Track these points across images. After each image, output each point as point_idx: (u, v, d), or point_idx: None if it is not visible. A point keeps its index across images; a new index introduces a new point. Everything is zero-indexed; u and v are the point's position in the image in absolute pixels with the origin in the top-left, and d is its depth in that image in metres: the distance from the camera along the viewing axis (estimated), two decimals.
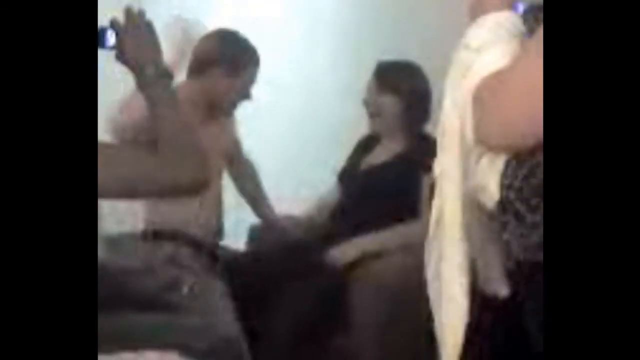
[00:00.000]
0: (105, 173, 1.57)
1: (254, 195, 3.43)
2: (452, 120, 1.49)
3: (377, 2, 4.33)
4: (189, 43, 2.92)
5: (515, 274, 1.45)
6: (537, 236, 1.37)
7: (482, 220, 1.51)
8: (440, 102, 1.55)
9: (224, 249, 3.18)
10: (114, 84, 2.65)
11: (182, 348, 2.33)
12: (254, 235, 3.49)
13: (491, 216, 1.46)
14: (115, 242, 2.92)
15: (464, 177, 1.50)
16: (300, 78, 4.29)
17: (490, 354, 1.57)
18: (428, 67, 3.21)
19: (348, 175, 3.31)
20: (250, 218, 3.53)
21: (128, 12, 1.82)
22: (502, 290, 1.50)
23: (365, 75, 3.25)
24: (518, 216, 1.39)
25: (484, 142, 1.41)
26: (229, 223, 3.25)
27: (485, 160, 1.43)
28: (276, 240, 3.36)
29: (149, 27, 1.81)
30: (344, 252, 3.01)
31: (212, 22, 3.36)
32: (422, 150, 2.95)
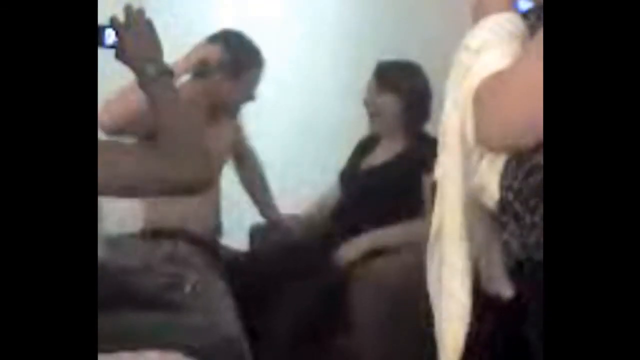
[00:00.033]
0: (108, 172, 1.57)
1: (259, 195, 3.44)
2: (453, 121, 1.49)
3: (378, 2, 4.33)
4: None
5: (516, 273, 1.45)
6: (535, 236, 1.37)
7: (484, 219, 1.51)
8: (440, 102, 1.55)
9: (225, 248, 3.18)
10: (114, 83, 2.65)
11: (184, 348, 2.33)
12: (256, 234, 3.49)
13: (493, 216, 1.46)
14: (115, 242, 2.92)
15: (465, 178, 1.50)
16: (300, 78, 4.28)
17: None
18: (428, 67, 3.21)
19: (349, 175, 3.32)
20: (250, 217, 3.53)
21: (128, 10, 1.82)
22: (505, 290, 1.50)
23: (365, 75, 3.25)
24: (517, 217, 1.39)
25: (484, 142, 1.41)
26: (229, 222, 3.25)
27: (485, 161, 1.43)
28: (278, 240, 3.37)
29: (149, 26, 1.81)
30: (348, 250, 3.01)
31: (212, 22, 3.36)
32: (423, 150, 2.96)
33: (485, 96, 1.39)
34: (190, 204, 2.71)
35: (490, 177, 1.43)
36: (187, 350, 2.34)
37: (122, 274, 2.65)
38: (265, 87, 3.17)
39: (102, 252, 2.57)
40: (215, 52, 2.98)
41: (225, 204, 3.20)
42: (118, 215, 2.92)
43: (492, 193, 1.43)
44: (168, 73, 1.79)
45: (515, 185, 1.39)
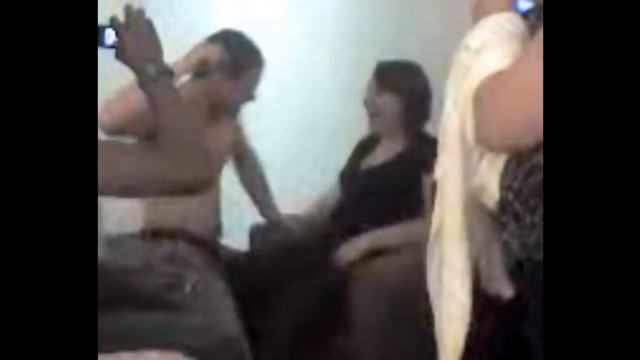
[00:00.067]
0: (108, 172, 1.57)
1: (259, 195, 3.44)
2: (453, 121, 1.49)
3: (378, 2, 4.33)
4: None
5: (516, 273, 1.45)
6: (535, 236, 1.37)
7: (484, 219, 1.51)
8: (441, 102, 1.55)
9: (225, 248, 3.18)
10: (114, 83, 2.65)
11: (184, 348, 2.33)
12: (256, 234, 3.49)
13: (493, 216, 1.46)
14: (115, 242, 2.92)
15: (465, 178, 1.50)
16: (300, 78, 4.28)
17: None
18: (428, 67, 3.20)
19: (349, 175, 3.32)
20: (250, 217, 3.53)
21: (128, 10, 1.81)
22: (505, 290, 1.50)
23: (365, 75, 3.25)
24: (517, 217, 1.39)
25: (484, 142, 1.41)
26: (229, 222, 3.25)
27: (485, 161, 1.43)
28: (278, 240, 3.37)
29: (149, 26, 1.81)
30: (348, 250, 3.01)
31: (212, 22, 3.36)
32: (423, 150, 2.96)
33: (485, 96, 1.39)
34: (190, 204, 2.71)
35: (490, 177, 1.43)
36: (187, 350, 2.34)
37: (122, 274, 2.65)
38: (265, 87, 3.17)
39: (102, 252, 2.57)
40: (215, 52, 2.98)
41: (225, 204, 3.20)
42: (118, 215, 2.92)
43: (492, 193, 1.43)
44: (168, 73, 1.78)
45: (515, 185, 1.39)
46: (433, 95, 3.17)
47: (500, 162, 1.41)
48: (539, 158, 1.35)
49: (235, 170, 3.41)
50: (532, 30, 1.44)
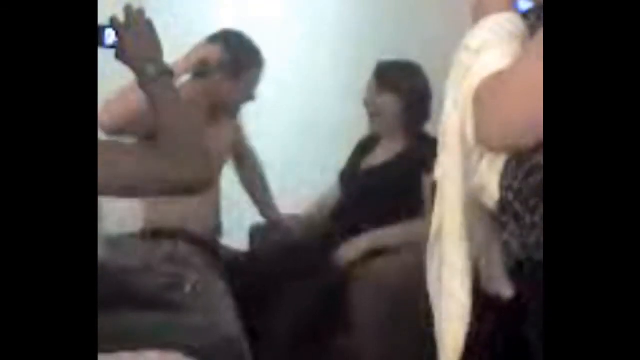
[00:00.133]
0: (108, 172, 1.57)
1: (259, 195, 3.44)
2: (453, 121, 1.49)
3: (378, 2, 4.33)
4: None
5: (516, 273, 1.45)
6: (535, 236, 1.37)
7: (484, 219, 1.51)
8: (441, 102, 1.55)
9: (225, 248, 3.18)
10: (114, 83, 2.65)
11: (184, 348, 2.33)
12: (256, 234, 3.49)
13: (493, 216, 1.46)
14: (115, 242, 2.92)
15: (465, 178, 1.50)
16: (300, 78, 4.28)
17: None
18: (428, 67, 3.20)
19: (349, 175, 3.31)
20: (250, 217, 3.52)
21: (128, 10, 1.81)
22: (505, 290, 1.50)
23: (365, 75, 3.25)
24: (517, 217, 1.39)
25: (484, 142, 1.41)
26: (229, 222, 3.25)
27: (485, 161, 1.43)
28: (278, 240, 3.37)
29: (149, 26, 1.81)
30: (348, 250, 3.01)
31: (212, 22, 3.36)
32: (423, 150, 2.96)
33: (485, 96, 1.39)
34: (190, 204, 2.71)
35: (490, 177, 1.43)
36: (187, 350, 2.34)
37: (122, 274, 2.65)
38: (265, 87, 3.17)
39: (102, 252, 2.57)
40: (215, 52, 2.98)
41: (225, 204, 3.19)
42: (118, 215, 2.92)
43: (492, 193, 1.43)
44: (168, 73, 1.78)
45: (515, 185, 1.39)
46: (433, 95, 3.17)
47: (500, 162, 1.41)
48: (539, 158, 1.35)
49: (235, 170, 3.41)
50: (532, 30, 1.44)
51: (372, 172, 3.22)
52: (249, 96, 3.10)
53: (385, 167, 3.18)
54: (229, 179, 3.28)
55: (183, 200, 2.57)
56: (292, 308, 2.93)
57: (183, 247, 2.91)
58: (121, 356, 2.22)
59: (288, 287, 2.97)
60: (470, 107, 1.42)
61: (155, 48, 1.80)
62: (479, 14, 1.48)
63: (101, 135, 2.48)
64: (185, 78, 2.97)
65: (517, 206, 1.39)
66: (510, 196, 1.39)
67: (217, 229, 3.14)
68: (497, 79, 1.38)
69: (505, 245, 1.42)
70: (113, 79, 2.40)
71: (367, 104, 3.22)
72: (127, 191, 1.69)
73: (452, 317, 1.53)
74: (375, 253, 3.00)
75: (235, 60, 3.01)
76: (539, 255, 1.36)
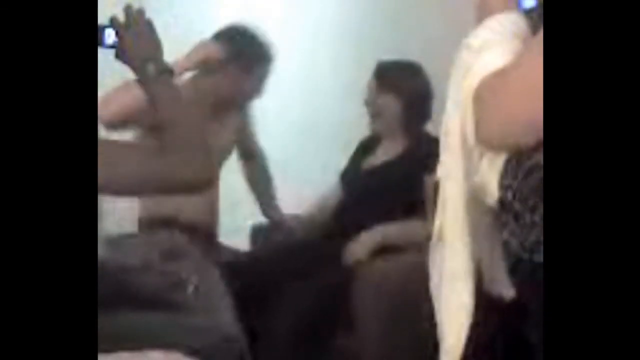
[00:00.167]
0: (111, 171, 1.57)
1: (263, 194, 3.44)
2: (454, 121, 1.49)
3: (378, 2, 4.33)
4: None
5: (516, 273, 1.45)
6: (535, 236, 1.36)
7: (486, 220, 1.50)
8: (442, 102, 1.55)
9: (227, 248, 3.18)
10: (114, 83, 2.65)
11: (186, 348, 2.33)
12: (258, 234, 3.49)
13: (495, 216, 1.45)
14: (115, 241, 2.92)
15: (466, 178, 1.50)
16: (301, 78, 4.28)
17: None
18: (429, 67, 3.20)
19: (350, 175, 3.32)
20: (251, 217, 3.52)
21: (128, 10, 1.81)
22: (507, 291, 1.50)
23: (366, 75, 3.25)
24: (516, 216, 1.38)
25: (485, 141, 1.41)
26: (230, 222, 3.25)
27: (485, 160, 1.43)
28: (281, 240, 3.37)
29: (149, 25, 1.81)
30: (355, 249, 3.01)
31: (212, 22, 3.36)
32: (424, 150, 2.95)
33: (486, 95, 1.39)
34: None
35: (490, 176, 1.42)
36: (189, 350, 2.33)
37: (123, 273, 2.65)
38: (267, 87, 3.17)
39: (101, 251, 2.57)
40: (216, 51, 2.97)
41: (225, 204, 3.19)
42: (117, 215, 2.91)
43: (492, 192, 1.42)
44: (168, 72, 1.78)
45: (515, 184, 1.39)
46: (434, 95, 3.16)
47: (500, 161, 1.41)
48: (539, 157, 1.35)
49: (242, 168, 3.41)
50: (534, 30, 1.44)
51: (373, 172, 3.22)
52: (258, 91, 3.10)
53: (387, 167, 3.18)
54: (230, 179, 3.28)
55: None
56: (293, 308, 2.93)
57: (180, 238, 2.90)
58: (122, 356, 2.22)
59: (290, 287, 2.97)
60: (470, 106, 1.41)
61: (155, 48, 1.80)
62: (482, 13, 1.48)
63: (100, 129, 2.48)
64: (190, 74, 2.97)
65: (516, 205, 1.38)
66: (510, 195, 1.39)
67: (214, 218, 3.12)
68: (498, 77, 1.38)
69: (505, 244, 1.42)
70: (113, 78, 2.40)
71: (368, 104, 3.22)
72: (128, 190, 1.69)
73: (454, 318, 1.53)
74: (378, 252, 3.00)
75: (243, 56, 3.01)
76: (538, 255, 1.35)
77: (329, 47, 4.37)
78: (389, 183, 3.12)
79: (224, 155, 3.15)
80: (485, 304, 1.53)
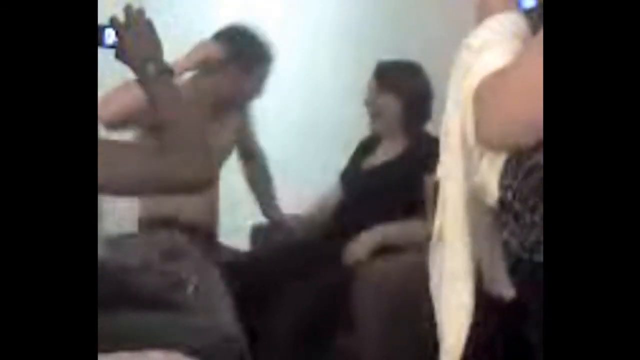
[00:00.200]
0: (111, 171, 1.57)
1: (263, 194, 3.44)
2: (454, 121, 1.49)
3: (378, 2, 4.33)
4: None
5: (516, 273, 1.45)
6: (534, 236, 1.36)
7: (486, 220, 1.50)
8: (442, 102, 1.55)
9: (227, 248, 3.18)
10: (114, 83, 2.65)
11: (186, 348, 2.33)
12: (258, 234, 3.49)
13: (495, 216, 1.45)
14: (115, 241, 2.91)
15: (466, 178, 1.50)
16: (301, 78, 4.28)
17: None
18: (429, 67, 3.20)
19: (350, 175, 3.32)
20: (251, 217, 3.52)
21: (128, 10, 1.81)
22: (508, 291, 1.50)
23: (366, 75, 3.25)
24: (516, 216, 1.38)
25: (485, 141, 1.41)
26: (230, 222, 3.25)
27: (485, 160, 1.43)
28: (281, 240, 3.37)
29: (149, 25, 1.81)
30: (355, 249, 3.01)
31: (212, 22, 3.36)
32: (424, 150, 2.95)
33: (486, 94, 1.38)
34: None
35: (490, 176, 1.42)
36: (189, 350, 2.33)
37: (121, 273, 2.64)
38: (267, 87, 3.16)
39: (101, 251, 2.57)
40: (216, 51, 2.97)
41: (225, 204, 3.19)
42: (117, 215, 2.91)
43: (492, 192, 1.42)
44: (168, 72, 1.78)
45: (515, 184, 1.39)
46: (434, 95, 3.16)
47: (500, 161, 1.41)
48: (539, 157, 1.35)
49: (242, 168, 3.41)
50: (534, 30, 1.44)
51: (374, 172, 3.22)
52: (258, 91, 3.10)
53: (387, 167, 3.18)
54: (230, 179, 3.27)
55: None
56: (293, 308, 2.93)
57: (180, 238, 2.89)
58: (122, 356, 2.22)
59: (290, 287, 2.97)
60: (470, 106, 1.41)
61: (155, 48, 1.80)
62: (482, 13, 1.48)
63: (100, 129, 2.48)
64: (190, 74, 2.97)
65: (516, 205, 1.38)
66: (510, 195, 1.39)
67: (214, 218, 3.12)
68: (498, 77, 1.38)
69: (505, 244, 1.42)
70: (113, 78, 2.39)
71: (368, 104, 3.22)
72: (128, 190, 1.69)
73: (454, 318, 1.53)
74: (378, 252, 3.00)
75: (243, 56, 3.01)
76: (538, 255, 1.35)
77: (329, 47, 4.36)
78: (389, 183, 3.12)
79: (224, 155, 3.15)
80: (485, 304, 1.53)
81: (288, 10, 4.39)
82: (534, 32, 1.43)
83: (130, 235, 3.03)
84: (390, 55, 3.30)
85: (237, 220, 3.49)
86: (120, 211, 2.83)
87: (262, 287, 2.98)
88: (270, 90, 3.22)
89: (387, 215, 3.04)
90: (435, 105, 3.15)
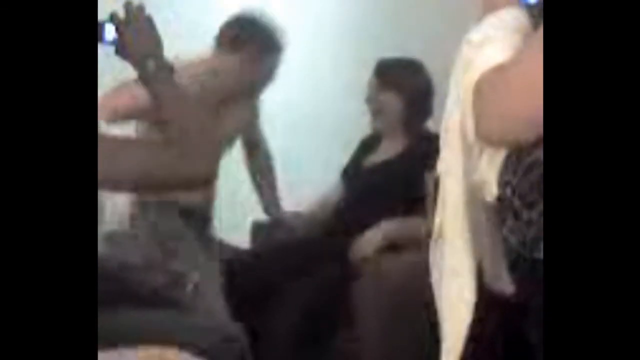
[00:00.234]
0: (111, 166, 1.57)
1: (265, 190, 3.43)
2: (454, 117, 1.49)
3: (379, 0, 4.33)
4: None
5: (515, 269, 1.45)
6: (534, 232, 1.36)
7: (487, 216, 1.50)
8: (443, 99, 1.55)
9: (227, 246, 3.17)
10: (114, 79, 2.64)
11: (185, 345, 2.33)
12: (258, 232, 3.49)
13: (495, 212, 1.45)
14: (115, 239, 2.91)
15: (466, 174, 1.49)
16: (301, 77, 4.28)
17: None
18: (430, 65, 3.20)
19: (351, 173, 3.32)
20: (251, 214, 3.52)
21: (128, 6, 1.81)
22: (509, 287, 1.49)
23: (367, 73, 3.25)
24: (515, 213, 1.38)
25: (484, 137, 1.41)
26: (230, 219, 3.24)
27: (485, 157, 1.43)
28: (282, 238, 3.37)
29: (149, 22, 1.81)
30: (362, 246, 3.01)
31: (213, 19, 3.35)
32: (425, 148, 2.95)
33: (486, 90, 1.38)
34: None
35: (489, 173, 1.42)
36: (188, 347, 2.33)
37: (122, 271, 2.64)
38: (268, 85, 3.16)
39: (101, 248, 2.57)
40: (227, 62, 2.98)
41: (226, 202, 3.19)
42: (118, 212, 2.91)
43: (491, 189, 1.42)
44: (168, 68, 1.78)
45: (515, 181, 1.38)
46: (435, 92, 3.16)
47: (499, 157, 1.41)
48: (538, 154, 1.34)
49: (245, 158, 3.40)
50: (536, 25, 1.43)
51: (375, 169, 3.22)
52: (271, 77, 3.09)
53: (388, 164, 3.18)
54: (231, 178, 3.27)
55: None
56: (293, 306, 2.93)
57: (177, 221, 2.88)
58: (122, 353, 2.22)
59: (290, 284, 2.97)
60: (470, 101, 1.41)
61: (156, 44, 1.80)
62: (486, 9, 1.48)
63: (101, 125, 2.47)
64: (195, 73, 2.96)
65: (515, 202, 1.38)
66: (510, 192, 1.39)
67: (210, 201, 3.11)
68: (498, 72, 1.37)
69: (504, 241, 1.42)
70: (113, 75, 2.39)
71: (369, 101, 3.22)
72: (128, 186, 1.69)
73: (456, 315, 1.53)
74: (383, 250, 3.00)
75: (258, 41, 3.01)
76: (537, 252, 1.35)
77: (329, 45, 4.36)
78: (390, 181, 3.12)
79: (229, 142, 3.13)
80: (486, 300, 1.53)
81: (289, 8, 4.38)
82: (536, 27, 1.42)
83: (130, 234, 3.02)
84: (391, 53, 3.31)
85: (237, 217, 3.49)
86: (120, 207, 2.83)
87: (262, 284, 2.97)
88: (272, 88, 3.21)
89: (389, 212, 3.04)
90: (436, 102, 3.15)
